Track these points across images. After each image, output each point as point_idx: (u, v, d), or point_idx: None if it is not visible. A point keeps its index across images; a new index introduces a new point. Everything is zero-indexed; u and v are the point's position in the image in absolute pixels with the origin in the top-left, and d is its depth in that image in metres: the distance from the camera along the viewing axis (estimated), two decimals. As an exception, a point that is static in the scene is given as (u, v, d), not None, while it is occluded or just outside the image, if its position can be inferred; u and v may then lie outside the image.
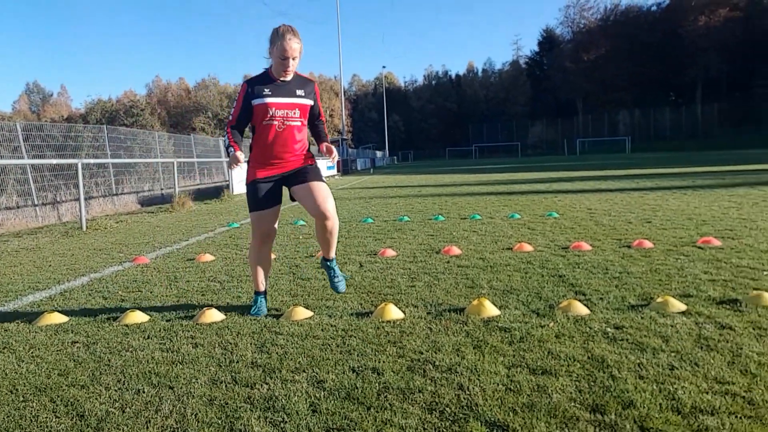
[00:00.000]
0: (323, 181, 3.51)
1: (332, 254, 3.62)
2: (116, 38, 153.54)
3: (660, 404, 2.05)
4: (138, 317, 3.46)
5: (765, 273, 4.00)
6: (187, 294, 4.17)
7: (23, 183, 11.38)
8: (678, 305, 3.21)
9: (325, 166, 29.68)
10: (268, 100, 3.33)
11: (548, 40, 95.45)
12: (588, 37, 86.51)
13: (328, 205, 3.39)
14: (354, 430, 1.97)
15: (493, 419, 2.00)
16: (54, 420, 2.16)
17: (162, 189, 16.88)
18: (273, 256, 5.56)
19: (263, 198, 3.47)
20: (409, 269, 4.69)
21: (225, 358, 2.74)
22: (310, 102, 3.47)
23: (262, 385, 2.39)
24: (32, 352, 2.97)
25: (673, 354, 2.54)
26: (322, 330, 3.12)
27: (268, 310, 3.58)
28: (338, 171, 33.84)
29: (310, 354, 2.75)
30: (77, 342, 3.11)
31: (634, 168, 23.52)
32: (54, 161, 11.12)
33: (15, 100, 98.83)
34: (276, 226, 3.61)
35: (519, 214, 8.40)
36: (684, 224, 6.62)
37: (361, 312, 3.46)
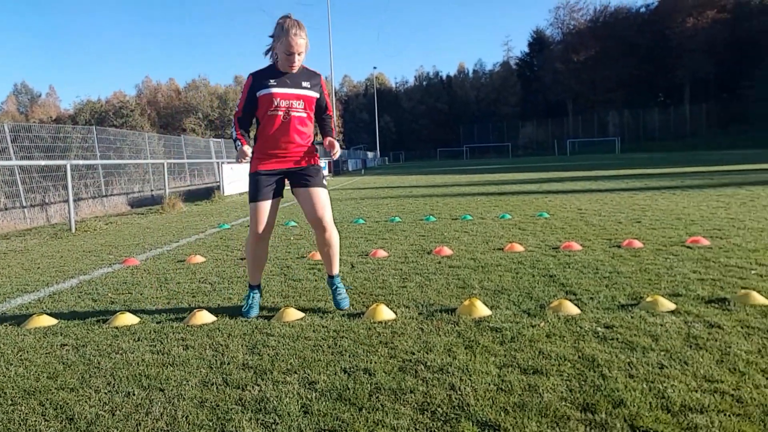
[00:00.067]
0: (324, 186, 3.50)
1: (335, 270, 3.61)
2: (105, 38, 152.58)
3: (650, 403, 2.06)
4: (128, 319, 3.44)
5: (753, 272, 4.04)
6: (178, 296, 4.15)
7: (11, 184, 11.27)
8: (667, 304, 3.23)
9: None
10: (273, 90, 3.31)
11: (538, 41, 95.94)
12: (578, 38, 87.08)
13: (325, 215, 3.44)
14: (346, 431, 1.97)
15: (484, 419, 2.00)
16: (43, 423, 2.14)
17: (152, 190, 16.78)
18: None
19: (264, 189, 3.43)
20: (401, 270, 4.69)
21: (216, 360, 2.73)
22: (315, 94, 3.44)
23: (253, 387, 2.38)
24: (21, 355, 2.94)
25: (662, 353, 2.56)
26: (313, 331, 3.12)
27: (261, 309, 3.57)
28: (330, 172, 33.79)
29: (301, 355, 2.75)
30: (66, 345, 3.08)
31: (624, 168, 23.68)
32: (42, 162, 11.02)
33: (2, 100, 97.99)
34: (272, 223, 3.52)
35: (510, 214, 8.43)
36: (673, 224, 6.67)
37: (353, 313, 3.45)
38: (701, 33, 74.43)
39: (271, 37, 3.34)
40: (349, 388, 2.32)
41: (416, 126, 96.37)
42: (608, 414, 1.99)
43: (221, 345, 2.95)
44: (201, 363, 2.70)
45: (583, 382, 2.27)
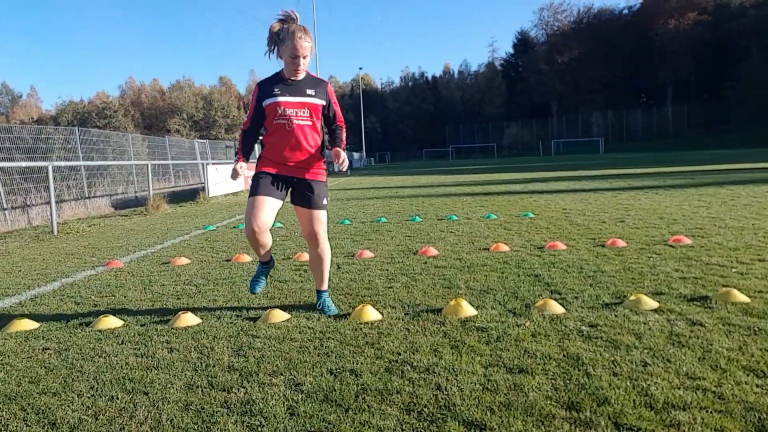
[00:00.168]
0: (323, 208, 3.47)
1: (325, 285, 3.61)
2: (88, 38, 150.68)
3: (634, 400, 2.09)
4: (111, 322, 3.40)
5: (733, 270, 4.10)
6: (162, 298, 4.11)
7: (-9, 186, 11.08)
8: (650, 303, 3.27)
9: None
10: (278, 99, 3.29)
11: (523, 43, 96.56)
12: (562, 40, 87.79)
13: (321, 231, 3.47)
14: (332, 432, 1.97)
15: (470, 419, 2.01)
16: (25, 428, 2.10)
17: (136, 192, 16.61)
18: (249, 259, 5.52)
19: (263, 186, 3.37)
20: (387, 270, 4.70)
21: (201, 363, 2.71)
22: (321, 102, 3.40)
23: (238, 389, 2.37)
24: (1, 360, 2.89)
25: (646, 351, 2.59)
26: (299, 332, 3.11)
27: (247, 311, 3.55)
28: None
29: (287, 357, 2.74)
30: (48, 348, 3.04)
31: (608, 168, 23.92)
32: (24, 164, 10.85)
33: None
34: (270, 222, 3.39)
35: (495, 214, 8.47)
36: (656, 223, 6.76)
37: (339, 314, 3.45)
38: (683, 35, 75.49)
39: (272, 42, 3.33)
40: (335, 390, 2.31)
41: (402, 126, 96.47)
42: (593, 412, 2.01)
43: (206, 347, 2.93)
44: (186, 366, 2.68)
45: (568, 381, 2.29)
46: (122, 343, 3.06)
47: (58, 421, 2.15)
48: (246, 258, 5.55)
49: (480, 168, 33.98)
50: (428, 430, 1.95)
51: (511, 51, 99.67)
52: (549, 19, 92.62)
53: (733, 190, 10.85)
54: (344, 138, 3.56)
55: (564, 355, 2.58)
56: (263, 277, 3.65)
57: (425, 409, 2.10)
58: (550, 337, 2.83)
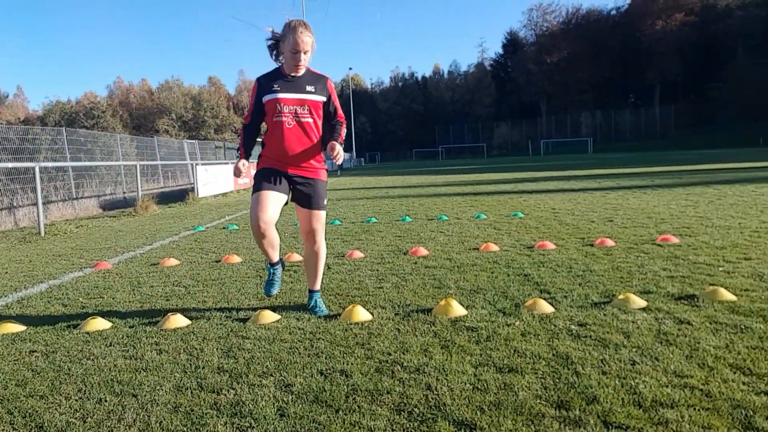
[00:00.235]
0: (322, 208, 3.47)
1: (318, 285, 3.60)
2: (76, 37, 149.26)
3: (622, 399, 2.10)
4: (99, 324, 3.37)
5: (720, 269, 4.15)
6: (151, 299, 4.08)
7: (-24, 187, 10.95)
8: (639, 302, 3.30)
9: None
10: (278, 95, 3.27)
11: (512, 43, 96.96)
12: (551, 40, 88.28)
13: (319, 229, 3.47)
14: (323, 433, 1.96)
15: (460, 418, 2.02)
16: (10, 433, 2.08)
17: (124, 192, 16.48)
18: (239, 260, 5.50)
19: (266, 181, 3.34)
20: (377, 271, 4.70)
21: (190, 364, 2.69)
22: (321, 98, 3.38)
23: (228, 391, 2.36)
24: (-13, 363, 2.86)
25: (634, 349, 2.61)
26: (289, 333, 3.10)
27: (237, 312, 3.53)
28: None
29: (277, 358, 2.73)
30: (35, 351, 3.01)
31: (596, 168, 24.08)
32: (10, 165, 10.72)
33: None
34: (275, 216, 3.36)
35: (485, 214, 8.50)
36: (644, 223, 6.81)
37: (329, 314, 3.44)
38: (670, 35, 76.21)
39: (272, 41, 3.32)
40: (325, 390, 2.31)
41: (392, 127, 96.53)
42: (582, 411, 2.03)
43: (196, 349, 2.91)
44: (175, 367, 2.66)
45: (557, 380, 2.31)
46: (110, 345, 3.04)
47: (46, 424, 2.13)
48: (236, 259, 5.52)
49: (470, 168, 34.08)
50: (418, 430, 1.96)
51: (501, 51, 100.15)
52: (538, 19, 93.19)
53: (720, 189, 10.97)
54: (343, 133, 3.53)
55: (553, 355, 2.59)
56: (276, 280, 3.58)
57: (415, 409, 2.10)
58: (540, 337, 2.85)
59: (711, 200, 9.03)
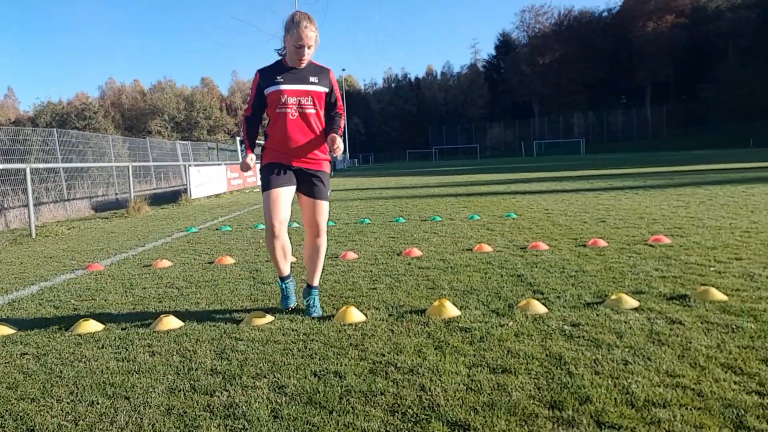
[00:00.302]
0: (327, 199, 3.48)
1: (316, 281, 3.59)
2: (67, 38, 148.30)
3: (615, 399, 2.11)
4: (91, 326, 3.35)
5: (711, 269, 4.18)
6: (144, 301, 4.06)
7: (-34, 189, 10.86)
8: (631, 302, 3.31)
9: None
10: (281, 87, 3.26)
11: (505, 44, 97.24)
12: (543, 42, 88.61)
13: (322, 222, 3.46)
14: (316, 434, 1.96)
15: (454, 419, 2.02)
16: (1, 436, 2.06)
17: (117, 194, 16.40)
18: (232, 261, 5.48)
19: (276, 177, 3.35)
20: (371, 272, 4.69)
21: (183, 366, 2.68)
22: (324, 89, 3.38)
23: (222, 393, 2.35)
24: (-23, 366, 2.83)
25: (627, 349, 2.62)
26: (283, 334, 3.09)
27: (230, 313, 3.52)
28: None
29: (271, 359, 2.72)
30: (27, 354, 2.99)
31: (589, 169, 24.19)
32: (0, 166, 10.64)
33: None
34: (288, 214, 3.40)
35: (478, 215, 8.52)
36: (636, 223, 6.85)
37: (323, 315, 3.44)
38: (661, 37, 76.69)
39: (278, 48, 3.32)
40: (319, 392, 2.31)
41: (385, 128, 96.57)
42: (575, 411, 2.03)
43: (189, 351, 2.90)
44: (168, 369, 2.65)
45: (550, 380, 2.31)
46: (102, 348, 3.02)
47: (37, 427, 2.11)
48: (229, 260, 5.50)
49: (463, 169, 34.14)
50: (412, 431, 1.96)
51: (493, 53, 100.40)
52: (530, 21, 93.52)
53: (711, 190, 11.05)
54: (342, 125, 3.55)
55: (546, 355, 2.60)
56: (290, 294, 3.54)
57: (409, 410, 2.10)
58: (533, 337, 2.85)
59: (702, 201, 9.09)
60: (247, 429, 2.02)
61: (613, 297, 3.39)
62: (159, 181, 21.27)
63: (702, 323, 2.94)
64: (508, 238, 6.14)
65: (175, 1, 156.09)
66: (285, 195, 3.36)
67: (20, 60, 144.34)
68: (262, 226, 8.35)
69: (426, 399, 2.19)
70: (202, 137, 65.37)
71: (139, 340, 3.12)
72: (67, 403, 2.33)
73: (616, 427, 1.90)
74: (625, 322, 3.00)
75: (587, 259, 4.79)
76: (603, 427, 1.91)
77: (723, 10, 74.00)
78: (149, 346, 3.00)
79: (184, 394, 2.35)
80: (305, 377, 2.48)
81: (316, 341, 2.95)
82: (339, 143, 3.32)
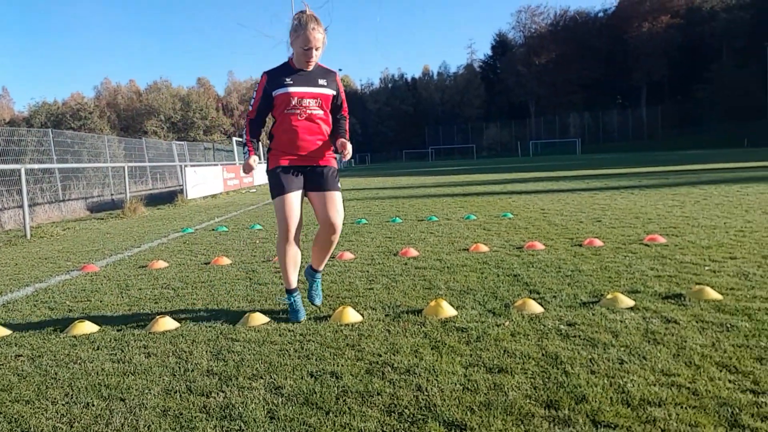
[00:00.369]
0: (338, 189, 3.45)
1: (322, 266, 3.60)
2: (62, 37, 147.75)
3: (611, 398, 2.12)
4: (87, 328, 3.34)
5: (706, 268, 4.19)
6: (140, 302, 4.05)
7: (-39, 190, 10.81)
8: (626, 301, 3.32)
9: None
10: (290, 89, 3.24)
11: (501, 45, 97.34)
12: (539, 42, 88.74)
13: (338, 219, 3.40)
14: (313, 435, 1.96)
15: (451, 419, 2.02)
16: (-4, 438, 2.06)
17: (112, 194, 16.35)
18: (228, 262, 5.47)
19: (287, 182, 3.34)
20: (367, 272, 4.69)
21: (179, 367, 2.67)
22: (332, 92, 3.39)
23: (218, 394, 2.35)
24: (-28, 368, 2.82)
25: (622, 348, 2.63)
26: (279, 335, 3.09)
27: (226, 314, 3.51)
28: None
29: (267, 360, 2.72)
30: (21, 355, 2.98)
31: (585, 169, 24.24)
32: (-6, 167, 10.61)
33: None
34: (302, 216, 3.43)
35: (475, 215, 8.53)
36: (631, 223, 6.87)
37: (319, 316, 3.44)
38: (656, 37, 76.91)
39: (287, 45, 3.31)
40: (315, 392, 2.30)
41: (382, 128, 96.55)
42: (571, 410, 2.04)
43: (185, 352, 2.89)
44: (164, 371, 2.64)
45: (546, 380, 2.32)
46: (98, 349, 3.01)
47: (32, 429, 2.10)
48: (225, 261, 5.49)
49: (459, 169, 34.17)
50: (409, 431, 1.96)
51: (490, 53, 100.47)
52: (526, 21, 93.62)
53: (706, 189, 11.09)
54: (348, 128, 3.56)
55: (543, 354, 2.60)
56: (299, 307, 3.41)
57: (406, 410, 2.11)
58: (529, 337, 2.86)
59: (697, 200, 9.12)
60: (243, 430, 2.02)
61: (609, 296, 3.39)
62: (155, 181, 21.22)
63: (697, 322, 2.95)
64: (505, 238, 6.15)
65: (172, 1, 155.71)
66: (297, 199, 3.37)
67: (15, 60, 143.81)
68: (259, 227, 8.34)
69: (423, 399, 2.19)
70: (198, 137, 65.22)
71: (135, 341, 3.11)
72: (62, 405, 2.32)
73: (612, 426, 1.91)
74: (621, 322, 3.01)
75: (583, 258, 4.80)
76: (599, 426, 1.91)
77: (718, 11, 74.29)
78: (145, 348, 2.99)
79: (180, 396, 2.34)
80: (302, 378, 2.47)
81: (313, 342, 2.95)
82: (349, 149, 3.33)
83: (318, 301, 3.62)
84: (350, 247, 6.08)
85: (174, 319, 3.43)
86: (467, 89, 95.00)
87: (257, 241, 6.92)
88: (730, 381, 2.21)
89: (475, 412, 2.06)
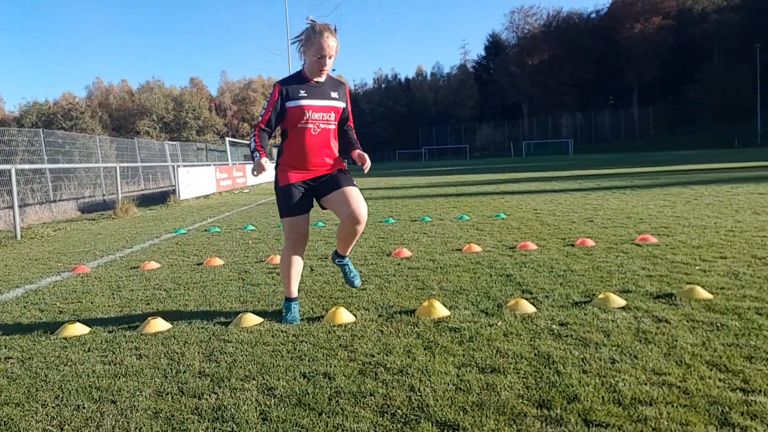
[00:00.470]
0: (355, 185, 3.43)
1: (348, 252, 3.62)
2: (53, 37, 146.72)
3: (602, 397, 2.13)
4: (78, 329, 3.32)
5: (697, 268, 4.22)
6: (131, 303, 4.03)
7: (-50, 190, 10.71)
8: (618, 301, 3.34)
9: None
10: (304, 102, 3.21)
11: (494, 45, 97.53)
12: (532, 43, 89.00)
13: (362, 210, 3.35)
14: (305, 436, 1.95)
15: (443, 419, 2.02)
16: (-15, 441, 2.04)
17: (104, 195, 16.26)
18: (221, 262, 5.45)
19: (297, 202, 3.34)
20: (360, 272, 4.69)
21: (171, 369, 2.66)
22: (342, 104, 3.38)
23: (210, 395, 2.34)
24: (-39, 370, 2.80)
25: (614, 348, 2.64)
26: (272, 336, 3.08)
27: (219, 315, 3.50)
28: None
29: (260, 361, 2.71)
30: (11, 357, 2.95)
31: (577, 169, 24.34)
32: (-16, 167, 10.52)
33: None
34: (309, 229, 3.49)
35: (468, 215, 8.54)
36: (623, 223, 6.90)
37: (312, 316, 3.43)
38: (648, 38, 77.33)
39: (297, 40, 3.28)
40: (308, 393, 2.30)
41: (376, 128, 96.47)
42: (563, 409, 2.04)
43: (177, 353, 2.88)
44: (155, 372, 2.63)
45: (539, 379, 2.33)
46: (89, 351, 2.99)
47: (22, 432, 2.09)
48: (217, 261, 5.48)
49: (453, 169, 34.23)
50: (402, 431, 1.96)
51: (483, 53, 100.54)
52: (519, 22, 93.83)
53: (696, 189, 11.16)
54: (356, 137, 3.56)
55: (535, 354, 2.61)
56: (296, 313, 3.39)
57: (399, 411, 2.11)
58: (522, 337, 2.87)
59: (688, 200, 9.18)
60: (235, 431, 2.01)
61: (601, 296, 3.41)
62: (147, 182, 21.12)
63: (688, 321, 2.97)
64: (497, 238, 6.16)
65: (165, 1, 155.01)
66: (306, 220, 3.42)
67: (6, 59, 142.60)
68: (252, 227, 8.32)
69: (415, 399, 2.20)
70: (191, 138, 65.00)
71: (126, 342, 3.10)
72: (53, 407, 2.30)
73: (604, 425, 1.92)
74: (613, 321, 3.02)
75: (575, 258, 4.82)
76: (591, 425, 1.92)
77: (708, 13, 74.76)
78: (136, 349, 2.98)
79: (172, 397, 2.33)
80: (294, 379, 2.47)
81: (306, 342, 2.95)
82: (368, 162, 3.33)
83: (357, 283, 3.71)
84: (343, 247, 6.07)
85: (166, 320, 3.42)
86: (460, 90, 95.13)
87: (250, 242, 6.90)
88: (720, 380, 2.23)
89: (467, 412, 2.06)
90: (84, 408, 2.27)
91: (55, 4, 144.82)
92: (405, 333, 3.02)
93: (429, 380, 2.37)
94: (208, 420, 2.11)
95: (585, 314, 3.18)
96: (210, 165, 20.41)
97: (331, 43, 3.16)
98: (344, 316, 3.30)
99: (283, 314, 3.40)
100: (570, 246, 5.44)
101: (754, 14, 67.79)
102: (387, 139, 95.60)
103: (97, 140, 18.02)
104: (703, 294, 3.39)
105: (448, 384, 2.32)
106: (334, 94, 3.33)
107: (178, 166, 16.72)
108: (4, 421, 2.19)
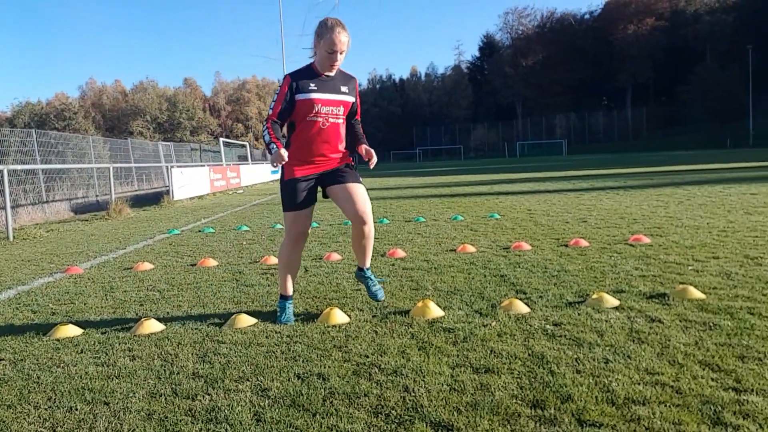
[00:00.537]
0: (361, 182, 3.42)
1: (368, 263, 3.56)
2: (46, 36, 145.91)
3: (596, 397, 2.13)
4: (70, 331, 3.30)
5: (690, 268, 4.24)
6: (124, 305, 4.01)
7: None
8: (612, 301, 3.35)
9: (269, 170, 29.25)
10: (314, 95, 3.21)
11: (488, 46, 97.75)
12: (526, 43, 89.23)
13: (367, 209, 3.35)
14: (299, 437, 1.95)
15: (438, 419, 2.02)
16: (-23, 444, 2.02)
17: (97, 195, 16.18)
18: (215, 263, 5.44)
19: (302, 198, 3.34)
20: (355, 273, 4.68)
21: (164, 370, 2.65)
22: (352, 99, 3.37)
23: (203, 397, 2.33)
24: (-48, 372, 2.78)
25: (607, 348, 2.65)
26: (266, 337, 3.07)
27: (212, 316, 3.49)
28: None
29: (254, 362, 2.70)
30: (3, 359, 2.93)
31: (571, 169, 24.42)
32: (-24, 168, 10.44)
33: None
34: (310, 226, 3.48)
35: (462, 215, 8.56)
36: (617, 223, 6.93)
37: (307, 317, 3.43)
38: (641, 39, 77.71)
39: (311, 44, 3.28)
40: (302, 394, 2.30)
41: (370, 129, 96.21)
42: (557, 409, 2.05)
43: (170, 354, 2.87)
44: (149, 374, 2.62)
45: (533, 380, 2.33)
46: (82, 352, 2.97)
47: (14, 434, 2.08)
48: (211, 262, 5.46)
49: (447, 170, 34.27)
50: (396, 432, 1.96)
51: (477, 54, 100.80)
52: (514, 23, 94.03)
53: (689, 190, 11.22)
54: (363, 131, 3.55)
55: (529, 354, 2.62)
56: (291, 317, 3.37)
57: (393, 411, 2.11)
58: (516, 337, 2.87)
59: (681, 201, 9.23)
60: (229, 432, 2.01)
61: (595, 296, 3.42)
62: (141, 182, 21.03)
63: (680, 321, 2.98)
64: (492, 239, 6.17)
65: (158, 1, 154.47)
66: (309, 215, 3.41)
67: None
68: (246, 228, 8.30)
69: (410, 400, 2.20)
70: (184, 138, 64.73)
71: (120, 344, 3.08)
72: (45, 409, 2.29)
73: (597, 425, 1.92)
74: (606, 321, 3.04)
75: (569, 258, 4.83)
76: (584, 425, 1.93)
77: (701, 14, 75.22)
78: (130, 351, 2.96)
79: (165, 399, 2.32)
80: (288, 380, 2.47)
81: (300, 343, 2.94)
82: (375, 158, 3.34)
83: (381, 296, 3.57)
84: (337, 248, 6.07)
85: (159, 321, 3.40)
86: (455, 90, 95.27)
87: (244, 243, 6.89)
88: (712, 379, 2.24)
89: (461, 413, 2.06)
90: (77, 410, 2.26)
91: (48, 4, 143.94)
92: (399, 333, 3.02)
93: (423, 381, 2.37)
94: (202, 421, 2.10)
95: (579, 314, 3.19)
96: (204, 165, 20.36)
97: (343, 38, 3.16)
98: (338, 316, 3.30)
99: (278, 315, 3.39)
100: (564, 246, 5.46)
101: (746, 16, 68.31)
102: (381, 140, 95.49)
103: (90, 141, 17.93)
104: (696, 294, 3.41)
105: (443, 384, 2.33)
106: (344, 89, 3.33)
107: (171, 167, 16.66)
108: (-4, 424, 2.17)
